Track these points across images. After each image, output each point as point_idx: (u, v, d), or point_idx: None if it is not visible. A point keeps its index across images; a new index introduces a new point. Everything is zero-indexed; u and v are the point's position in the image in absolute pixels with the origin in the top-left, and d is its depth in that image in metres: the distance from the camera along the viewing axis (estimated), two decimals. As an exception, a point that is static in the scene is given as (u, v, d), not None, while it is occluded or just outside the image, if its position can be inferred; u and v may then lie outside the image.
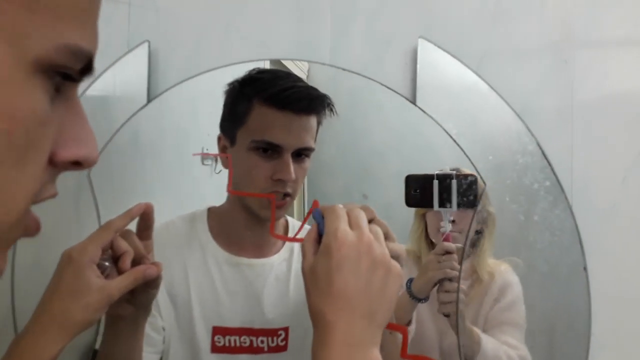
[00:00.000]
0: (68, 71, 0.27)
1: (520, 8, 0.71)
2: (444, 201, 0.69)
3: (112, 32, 0.77)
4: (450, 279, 0.72)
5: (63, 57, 0.26)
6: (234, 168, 0.76)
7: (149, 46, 0.76)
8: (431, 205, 0.70)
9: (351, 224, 0.47)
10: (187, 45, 0.77)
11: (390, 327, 0.73)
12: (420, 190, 0.70)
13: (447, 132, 0.69)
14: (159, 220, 0.83)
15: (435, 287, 0.73)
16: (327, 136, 0.80)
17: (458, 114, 0.70)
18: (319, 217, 0.50)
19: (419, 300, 0.74)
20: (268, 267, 0.79)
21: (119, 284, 0.51)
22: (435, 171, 0.69)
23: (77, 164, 0.29)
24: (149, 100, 0.76)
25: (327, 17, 0.75)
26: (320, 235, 0.49)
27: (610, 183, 0.68)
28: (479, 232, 0.74)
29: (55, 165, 0.28)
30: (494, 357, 0.73)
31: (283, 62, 0.79)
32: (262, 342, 0.77)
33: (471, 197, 0.68)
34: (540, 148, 0.69)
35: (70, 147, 0.29)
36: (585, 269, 0.68)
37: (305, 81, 0.79)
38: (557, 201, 0.68)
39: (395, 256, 0.48)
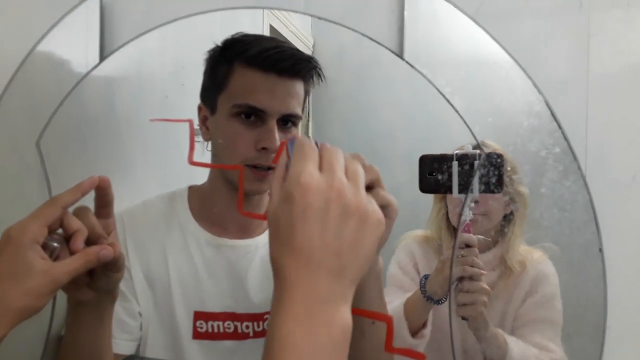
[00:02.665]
0: None
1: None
2: (465, 185, 0.59)
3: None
4: (470, 278, 0.64)
5: None
6: (214, 138, 0.71)
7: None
8: (450, 191, 0.60)
9: (322, 166, 0.40)
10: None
11: (372, 315, 0.64)
12: (436, 173, 0.60)
13: (439, 90, 0.59)
14: (125, 198, 0.77)
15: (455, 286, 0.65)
16: (332, 114, 0.74)
17: (452, 68, 0.61)
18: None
19: (434, 301, 0.67)
20: (253, 248, 0.76)
21: (67, 267, 0.47)
22: (454, 150, 0.59)
23: None
24: (102, 59, 0.68)
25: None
26: None
27: (631, 151, 0.59)
28: (507, 216, 0.67)
29: None
30: None
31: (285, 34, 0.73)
32: (247, 327, 0.74)
33: (496, 180, 0.58)
34: (550, 108, 0.59)
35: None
36: (600, 250, 0.58)
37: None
38: (569, 171, 0.58)
39: (383, 205, 0.44)
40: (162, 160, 0.85)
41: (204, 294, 0.73)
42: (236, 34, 0.71)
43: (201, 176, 0.77)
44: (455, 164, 0.59)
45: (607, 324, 0.58)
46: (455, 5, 0.60)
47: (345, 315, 0.38)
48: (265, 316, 0.74)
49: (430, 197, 0.72)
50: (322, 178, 0.39)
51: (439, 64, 0.61)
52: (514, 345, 0.66)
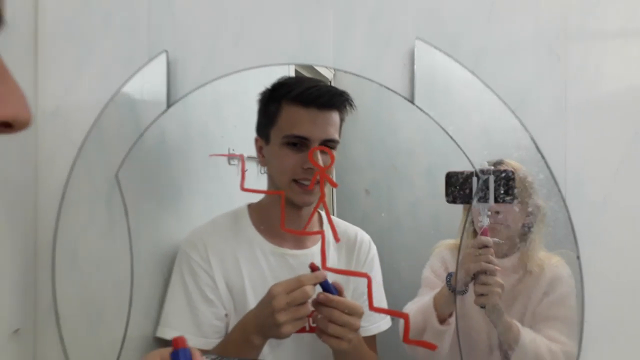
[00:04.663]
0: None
1: (514, 7, 0.74)
2: (483, 197, 0.73)
3: (133, 44, 0.84)
4: (486, 272, 0.75)
5: None
6: (270, 163, 0.85)
7: (167, 55, 0.83)
8: (469, 201, 0.74)
9: None
10: (201, 54, 0.84)
11: (392, 313, 0.78)
12: (459, 187, 0.74)
13: (444, 130, 0.73)
14: (192, 218, 0.90)
15: (473, 280, 0.75)
16: (355, 134, 0.86)
17: (455, 111, 0.74)
18: None
19: (458, 292, 0.77)
20: (309, 257, 0.85)
21: None
22: (476, 167, 0.73)
23: (7, 126, 0.28)
24: (169, 106, 0.83)
25: (330, 23, 0.79)
26: None
27: (602, 176, 0.71)
28: (528, 226, 0.76)
29: None
30: (533, 350, 0.75)
31: (315, 68, 0.86)
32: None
33: (508, 192, 0.72)
34: (534, 142, 0.72)
35: (4, 104, 0.27)
36: (578, 257, 0.71)
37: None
38: (551, 194, 0.71)
39: None
40: (205, 188, 0.98)
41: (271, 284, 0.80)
42: (281, 77, 0.84)
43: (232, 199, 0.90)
44: (474, 178, 0.73)
45: (584, 320, 0.71)
46: (456, 60, 0.74)
47: None
48: (314, 313, 0.78)
49: (449, 208, 0.79)
50: None
51: (444, 107, 0.74)
52: (526, 333, 0.75)
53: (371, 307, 0.73)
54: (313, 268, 0.72)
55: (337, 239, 0.79)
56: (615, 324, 0.71)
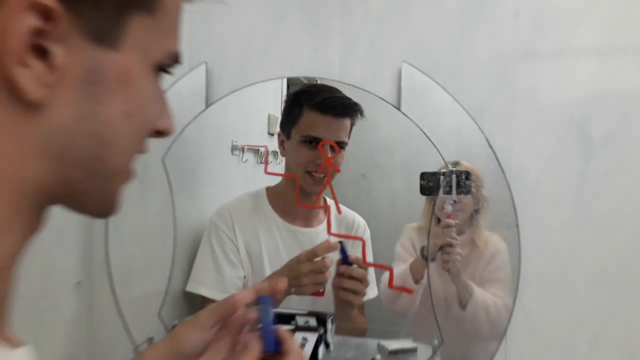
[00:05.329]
0: (167, 67, 0.40)
1: (476, 38, 0.98)
2: (447, 190, 0.97)
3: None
4: (450, 245, 0.99)
5: (167, 59, 0.40)
6: (288, 155, 1.05)
7: (207, 66, 1.04)
8: (437, 193, 0.98)
9: None
10: (234, 66, 1.05)
11: (381, 267, 1.00)
12: (430, 183, 0.98)
13: (422, 131, 0.96)
14: (221, 195, 1.11)
15: (440, 251, 0.99)
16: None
17: (431, 117, 0.97)
18: (265, 315, 0.57)
19: (429, 260, 1.01)
20: (315, 234, 1.06)
21: None
22: (440, 168, 0.97)
23: (160, 133, 0.44)
24: (207, 106, 1.04)
25: (336, 46, 1.02)
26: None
27: (536, 167, 0.96)
28: (476, 211, 0.99)
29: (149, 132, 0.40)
30: (482, 302, 0.99)
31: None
32: None
33: (465, 187, 0.96)
34: (488, 141, 0.96)
35: (163, 118, 0.43)
36: (517, 226, 0.96)
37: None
38: (499, 179, 0.96)
39: None
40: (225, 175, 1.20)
41: (283, 262, 0.99)
42: (305, 85, 1.04)
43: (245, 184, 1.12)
44: (441, 177, 0.97)
45: (520, 272, 0.96)
46: (432, 79, 0.98)
47: None
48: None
49: (419, 199, 1.02)
50: None
51: (423, 114, 0.98)
52: (477, 289, 0.99)
53: (365, 263, 0.97)
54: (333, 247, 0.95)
55: (339, 211, 1.01)
56: (544, 278, 0.96)
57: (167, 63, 0.40)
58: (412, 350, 1.03)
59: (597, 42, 0.94)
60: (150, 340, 0.99)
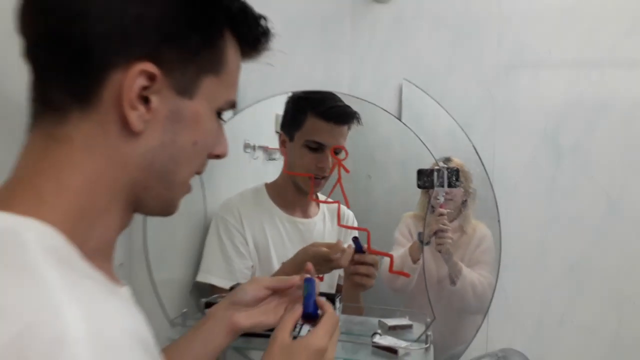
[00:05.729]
0: (225, 110, 0.58)
1: (464, 58, 1.15)
2: (440, 183, 1.13)
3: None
4: (442, 230, 1.15)
5: (226, 106, 0.57)
6: (290, 157, 1.17)
7: (235, 79, 1.20)
8: (432, 187, 1.14)
9: (333, 338, 0.69)
10: (258, 79, 1.22)
11: (381, 253, 1.17)
12: (426, 178, 1.13)
13: (419, 138, 1.13)
14: (235, 188, 1.26)
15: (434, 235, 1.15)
16: (357, 142, 1.19)
17: (426, 126, 1.15)
18: (311, 288, 0.72)
19: (425, 243, 1.17)
20: (313, 224, 1.20)
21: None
22: (433, 165, 1.13)
23: (217, 156, 0.60)
24: (234, 114, 1.20)
25: (347, 64, 1.19)
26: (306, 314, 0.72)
27: (515, 171, 1.13)
28: (465, 202, 1.16)
29: (208, 156, 0.58)
30: (470, 280, 1.15)
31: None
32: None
33: (455, 181, 1.13)
34: (474, 148, 1.14)
35: (220, 146, 0.61)
36: (498, 221, 1.13)
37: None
38: (484, 180, 1.13)
39: None
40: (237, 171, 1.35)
41: (287, 252, 1.13)
42: (309, 91, 1.15)
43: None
44: (435, 173, 1.14)
45: (501, 257, 1.13)
46: (428, 94, 1.15)
47: None
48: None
49: (415, 192, 1.17)
50: (327, 343, 0.67)
51: (420, 124, 1.15)
52: (465, 269, 1.15)
53: (369, 250, 1.13)
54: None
55: (347, 205, 1.17)
56: (519, 268, 1.13)
57: (226, 108, 0.59)
58: (408, 327, 1.19)
59: (566, 60, 1.12)
60: (184, 314, 1.15)
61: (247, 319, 0.77)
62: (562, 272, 1.11)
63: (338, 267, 1.11)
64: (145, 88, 0.51)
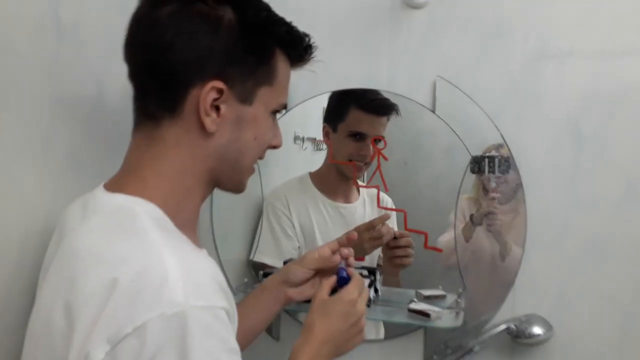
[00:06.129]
0: (278, 111, 0.78)
1: (493, 53, 1.28)
2: (491, 169, 1.26)
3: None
4: (492, 212, 1.27)
5: (279, 108, 0.77)
6: (335, 146, 1.29)
7: (286, 80, 1.36)
8: (484, 172, 1.27)
9: (362, 294, 0.88)
10: (304, 79, 1.37)
11: (416, 232, 1.31)
12: (478, 164, 1.26)
13: (453, 130, 1.27)
14: (285, 176, 1.41)
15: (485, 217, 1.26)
16: (398, 132, 1.32)
17: (457, 118, 1.28)
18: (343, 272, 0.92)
19: (477, 224, 1.29)
20: (354, 209, 1.33)
21: None
22: (486, 151, 1.26)
23: (274, 147, 0.80)
24: (286, 112, 1.36)
25: (385, 62, 1.33)
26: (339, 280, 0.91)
27: (540, 156, 1.26)
28: (518, 185, 1.24)
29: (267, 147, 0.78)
30: (518, 257, 1.25)
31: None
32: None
33: (505, 167, 1.25)
34: (503, 137, 1.26)
35: (275, 139, 0.81)
36: (524, 201, 1.26)
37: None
38: (512, 166, 1.26)
39: None
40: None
41: (330, 233, 1.24)
42: (351, 89, 1.28)
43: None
44: (487, 159, 1.26)
45: (527, 234, 1.26)
46: (460, 89, 1.28)
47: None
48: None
49: (445, 177, 1.31)
50: (358, 303, 0.85)
51: (452, 116, 1.28)
52: (515, 248, 1.24)
53: (406, 229, 1.29)
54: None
55: (386, 189, 1.32)
56: (543, 243, 1.26)
57: (279, 109, 0.78)
58: (442, 297, 1.34)
59: (586, 53, 1.22)
60: (246, 284, 1.33)
61: (299, 294, 0.98)
62: (583, 247, 1.23)
63: (376, 245, 1.26)
64: (216, 99, 0.70)
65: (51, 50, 0.87)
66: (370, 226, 1.25)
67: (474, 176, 1.29)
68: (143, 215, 0.65)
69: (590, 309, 1.24)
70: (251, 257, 1.35)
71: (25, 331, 0.70)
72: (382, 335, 1.36)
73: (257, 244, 1.36)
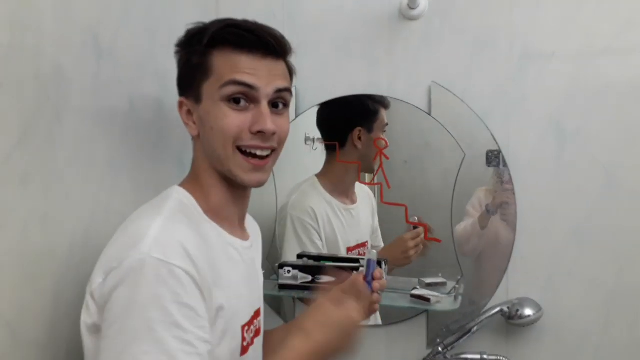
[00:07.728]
0: (229, 99, 0.85)
1: (483, 61, 1.40)
2: (505, 163, 1.38)
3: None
4: (507, 203, 1.37)
5: (227, 92, 0.85)
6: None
7: (296, 89, 1.49)
8: (499, 165, 1.38)
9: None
10: (313, 87, 1.50)
11: (416, 224, 1.44)
12: (493, 157, 1.37)
13: (448, 130, 1.40)
14: (297, 176, 1.54)
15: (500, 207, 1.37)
16: (398, 133, 1.46)
17: (451, 119, 1.41)
18: (372, 265, 0.97)
19: (492, 213, 1.38)
20: (359, 209, 1.48)
21: None
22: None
23: (260, 132, 0.84)
24: (297, 116, 1.49)
25: (384, 70, 1.46)
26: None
27: (526, 151, 1.38)
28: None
29: (254, 133, 0.84)
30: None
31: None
32: (365, 244, 1.46)
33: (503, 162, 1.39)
34: (492, 134, 1.39)
35: (257, 125, 0.84)
36: (514, 193, 1.38)
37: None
38: (500, 160, 1.38)
39: None
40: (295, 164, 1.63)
41: (348, 236, 1.43)
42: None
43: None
44: (501, 153, 1.36)
45: (517, 223, 1.38)
46: (452, 92, 1.40)
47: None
48: (365, 243, 1.51)
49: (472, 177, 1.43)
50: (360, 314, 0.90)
51: (446, 118, 1.41)
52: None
53: (407, 221, 1.41)
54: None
55: (389, 186, 1.45)
56: (531, 231, 1.38)
57: (229, 94, 0.84)
58: (443, 284, 1.46)
59: (567, 56, 1.34)
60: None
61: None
62: (568, 233, 1.35)
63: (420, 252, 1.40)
64: (186, 110, 0.91)
65: (92, 72, 1.00)
66: (416, 235, 1.37)
67: (491, 169, 1.40)
68: (173, 197, 0.86)
69: (576, 291, 1.35)
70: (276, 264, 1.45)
71: (76, 318, 0.82)
72: (379, 321, 1.48)
73: (284, 256, 1.46)
